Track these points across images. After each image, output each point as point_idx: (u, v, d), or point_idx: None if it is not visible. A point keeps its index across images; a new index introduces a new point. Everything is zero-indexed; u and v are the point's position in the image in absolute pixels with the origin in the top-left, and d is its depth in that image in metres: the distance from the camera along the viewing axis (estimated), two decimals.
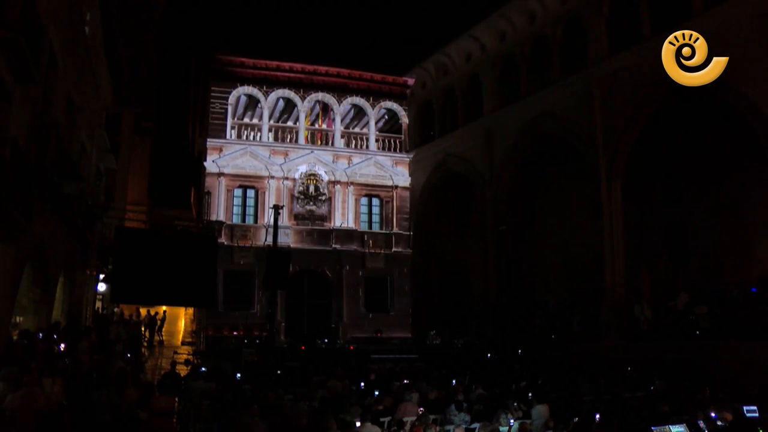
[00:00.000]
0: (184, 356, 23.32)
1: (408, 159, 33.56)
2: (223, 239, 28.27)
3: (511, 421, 10.08)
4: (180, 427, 12.00)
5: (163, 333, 28.93)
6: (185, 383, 13.93)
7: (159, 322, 28.61)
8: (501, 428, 10.01)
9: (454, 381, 15.30)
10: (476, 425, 10.77)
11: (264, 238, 27.64)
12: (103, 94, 22.45)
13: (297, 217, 31.40)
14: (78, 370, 12.15)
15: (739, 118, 18.74)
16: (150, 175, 37.94)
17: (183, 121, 40.33)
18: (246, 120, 33.60)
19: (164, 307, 31.57)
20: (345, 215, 32.16)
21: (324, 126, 33.39)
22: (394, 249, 32.58)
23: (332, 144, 32.90)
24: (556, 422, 10.39)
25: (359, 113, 34.62)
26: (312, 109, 33.31)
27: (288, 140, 32.32)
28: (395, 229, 32.87)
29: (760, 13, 17.30)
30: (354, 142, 33.55)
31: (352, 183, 32.49)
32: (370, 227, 32.98)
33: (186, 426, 12.04)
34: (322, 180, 31.94)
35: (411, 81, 33.63)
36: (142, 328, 26.39)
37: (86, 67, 18.41)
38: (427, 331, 28.20)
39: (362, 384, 14.64)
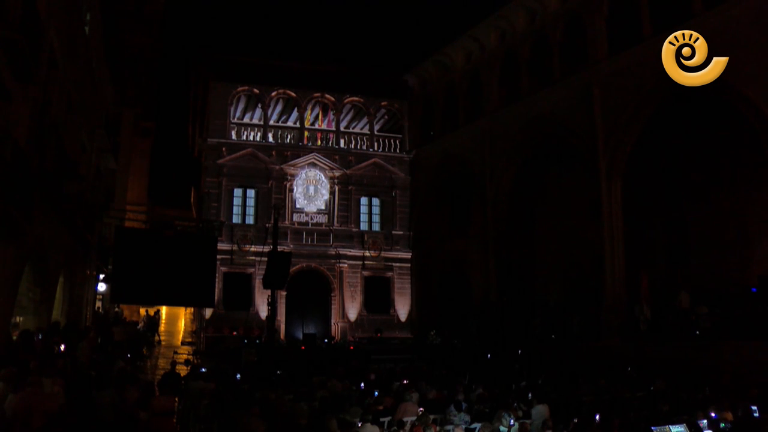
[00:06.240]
0: (184, 356, 23.33)
1: (408, 159, 33.56)
2: (223, 239, 28.25)
3: (512, 421, 10.07)
4: (180, 427, 12.02)
5: (161, 333, 28.93)
6: (185, 383, 13.92)
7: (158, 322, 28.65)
8: (501, 428, 10.00)
9: (454, 381, 15.28)
10: (476, 425, 10.76)
11: (264, 239, 27.64)
12: (103, 94, 22.45)
13: (297, 217, 31.40)
14: (78, 370, 12.15)
15: (739, 117, 18.74)
16: (150, 175, 37.96)
17: (183, 121, 40.38)
18: (246, 120, 33.61)
19: (162, 307, 31.62)
20: (345, 215, 32.17)
21: (324, 126, 33.39)
22: (394, 249, 32.58)
23: (332, 144, 32.90)
24: (556, 422, 10.38)
25: (359, 113, 34.61)
26: (312, 109, 33.33)
27: (288, 140, 32.34)
28: (395, 229, 32.87)
29: (760, 13, 17.31)
30: (354, 142, 33.55)
31: (352, 183, 32.50)
32: (370, 227, 32.97)
33: (186, 426, 12.06)
34: (322, 180, 31.95)
35: (411, 81, 33.62)
36: (140, 326, 26.41)
37: (86, 67, 18.41)
38: (427, 331, 28.19)
39: (362, 384, 14.64)
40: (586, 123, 22.57)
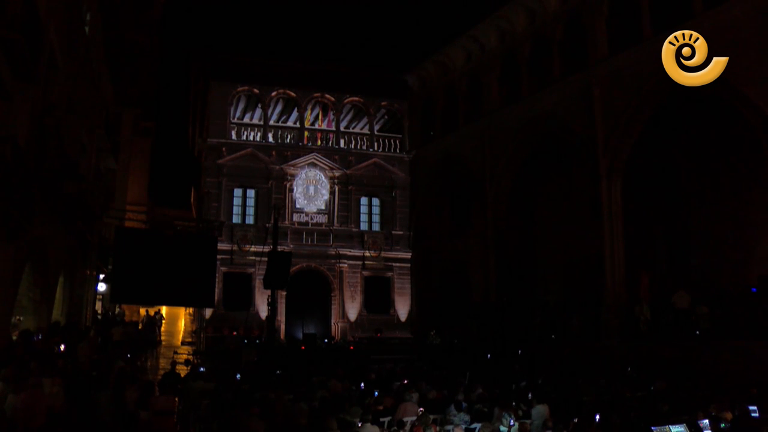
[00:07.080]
0: (184, 356, 23.32)
1: (408, 159, 33.56)
2: (223, 239, 28.23)
3: (512, 421, 10.07)
4: (180, 427, 12.02)
5: (161, 333, 28.93)
6: (185, 383, 13.92)
7: (158, 321, 28.62)
8: (501, 428, 10.00)
9: (454, 381, 15.28)
10: (476, 425, 10.77)
11: (264, 239, 27.64)
12: (103, 94, 22.44)
13: (297, 217, 31.40)
14: (78, 370, 12.16)
15: (739, 117, 18.75)
16: (150, 175, 37.94)
17: (183, 121, 40.39)
18: (246, 120, 33.62)
19: (163, 307, 31.60)
20: (345, 215, 32.16)
21: (324, 126, 33.39)
22: (394, 249, 32.58)
23: (332, 144, 32.90)
24: (556, 422, 10.38)
25: (359, 113, 34.62)
26: (312, 109, 33.33)
27: (288, 140, 32.34)
28: (395, 229, 32.87)
29: (760, 13, 17.31)
30: (354, 142, 33.55)
31: (352, 183, 32.50)
32: (370, 227, 32.97)
33: (186, 426, 12.06)
34: (322, 180, 31.95)
35: (411, 81, 33.61)
36: (140, 327, 26.40)
37: (86, 67, 18.40)
38: (427, 331, 28.18)
39: (362, 384, 14.64)
40: (586, 123, 22.57)
